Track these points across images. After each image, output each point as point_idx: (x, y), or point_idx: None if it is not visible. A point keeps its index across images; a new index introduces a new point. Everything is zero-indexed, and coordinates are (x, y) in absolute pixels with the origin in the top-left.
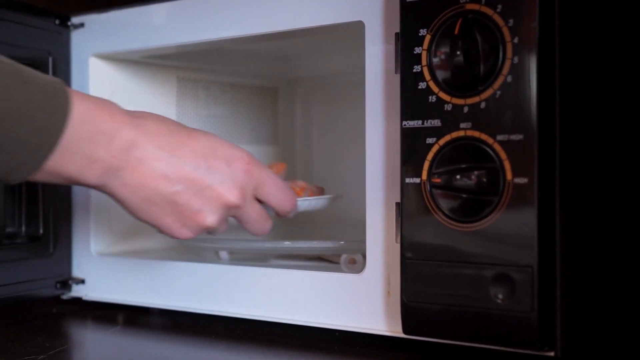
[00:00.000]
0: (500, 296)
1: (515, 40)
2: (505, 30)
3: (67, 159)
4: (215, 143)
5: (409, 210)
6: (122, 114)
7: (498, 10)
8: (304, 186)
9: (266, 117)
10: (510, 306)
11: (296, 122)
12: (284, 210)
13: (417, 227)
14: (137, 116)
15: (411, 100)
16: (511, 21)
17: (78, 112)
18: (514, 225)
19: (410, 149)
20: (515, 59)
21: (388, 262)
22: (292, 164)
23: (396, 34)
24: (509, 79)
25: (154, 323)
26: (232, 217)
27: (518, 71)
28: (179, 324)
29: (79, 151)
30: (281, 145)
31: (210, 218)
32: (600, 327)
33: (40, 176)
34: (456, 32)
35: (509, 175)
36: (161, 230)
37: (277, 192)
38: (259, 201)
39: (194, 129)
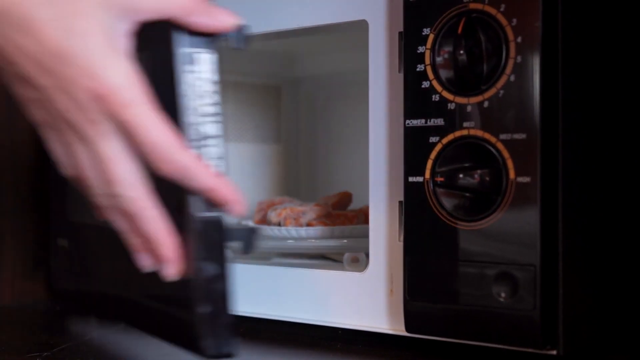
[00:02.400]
0: (502, 295)
1: (519, 39)
2: (509, 30)
3: None
4: None
5: (412, 209)
6: None
7: (501, 9)
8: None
9: (269, 115)
10: (512, 305)
11: (300, 121)
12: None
13: (420, 226)
14: None
15: (414, 99)
16: (514, 20)
17: None
18: (516, 224)
19: (414, 147)
20: (519, 59)
21: (391, 260)
22: (295, 163)
23: (400, 33)
24: (512, 78)
25: None
26: None
27: (521, 70)
28: None
29: None
30: (284, 144)
31: None
32: (602, 326)
33: None
34: (459, 31)
35: (511, 174)
36: None
37: None
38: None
39: None
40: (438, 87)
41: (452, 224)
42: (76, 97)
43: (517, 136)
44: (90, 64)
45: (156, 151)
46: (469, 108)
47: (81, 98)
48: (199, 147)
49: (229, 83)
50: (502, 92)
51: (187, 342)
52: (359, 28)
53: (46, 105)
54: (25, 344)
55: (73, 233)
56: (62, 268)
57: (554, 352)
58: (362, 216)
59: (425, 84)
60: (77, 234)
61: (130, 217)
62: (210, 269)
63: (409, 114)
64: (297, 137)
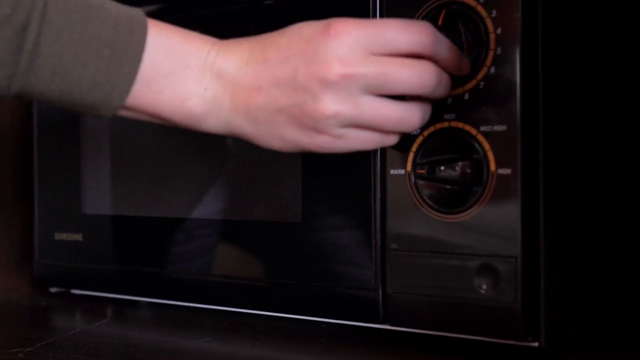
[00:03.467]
0: (484, 287)
1: (499, 31)
2: (489, 21)
3: (151, 99)
4: (302, 25)
5: (393, 202)
6: (204, 42)
7: (481, 1)
8: None
9: None
10: (494, 297)
11: None
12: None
13: (401, 219)
14: (217, 42)
15: None
16: (494, 12)
17: (156, 46)
18: (497, 216)
19: None
20: (499, 50)
21: None
22: None
23: None
24: (493, 70)
25: (142, 316)
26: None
27: (501, 62)
28: (167, 317)
29: (163, 90)
30: None
31: (321, 103)
32: (584, 317)
33: (130, 114)
34: (440, 22)
35: (492, 166)
36: (303, 150)
37: (404, 36)
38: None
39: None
40: None
41: (434, 217)
42: None
43: (497, 128)
44: None
45: None
46: (449, 100)
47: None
48: None
49: None
50: (482, 84)
51: None
52: None
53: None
54: (8, 339)
55: (91, 226)
56: (66, 261)
57: (536, 344)
58: None
59: None
60: (100, 226)
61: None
62: None
63: None
64: None
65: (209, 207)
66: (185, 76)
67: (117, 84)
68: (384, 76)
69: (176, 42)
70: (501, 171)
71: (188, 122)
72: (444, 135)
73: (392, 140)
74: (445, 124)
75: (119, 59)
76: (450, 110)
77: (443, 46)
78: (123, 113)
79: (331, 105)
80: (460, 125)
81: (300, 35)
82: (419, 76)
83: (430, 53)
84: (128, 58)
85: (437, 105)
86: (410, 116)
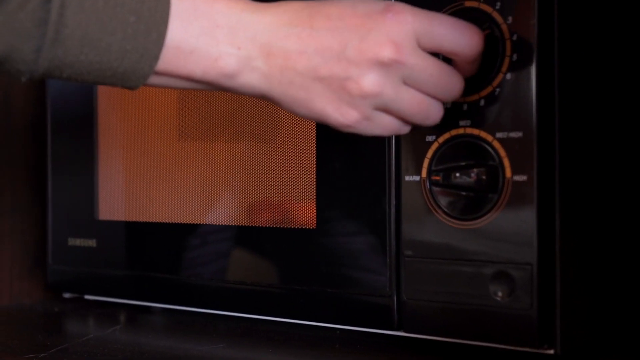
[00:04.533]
0: (499, 294)
1: (514, 37)
2: (504, 28)
3: (182, 61)
4: (355, 0)
5: (408, 208)
6: (234, 1)
7: (497, 7)
8: None
9: None
10: (509, 304)
11: None
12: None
13: (416, 225)
14: (248, 2)
15: None
16: (510, 19)
17: (182, 8)
18: (513, 223)
19: (410, 146)
20: (514, 57)
21: None
22: None
23: None
24: (508, 76)
25: (155, 322)
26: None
27: (517, 69)
28: (180, 323)
29: (195, 50)
30: None
31: (365, 81)
32: (599, 325)
33: (160, 81)
34: None
35: (508, 173)
36: (324, 122)
37: (454, 36)
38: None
39: None
40: None
41: (449, 223)
42: None
43: (513, 134)
44: None
45: None
46: (465, 106)
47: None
48: None
49: None
50: (498, 90)
51: None
52: None
53: None
54: (22, 344)
55: (105, 231)
56: (79, 267)
57: (551, 352)
58: None
59: None
60: (114, 231)
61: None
62: None
63: None
64: None
65: (222, 213)
66: (217, 35)
67: (146, 50)
68: (427, 72)
69: (202, 2)
70: (517, 178)
71: (220, 81)
72: (459, 141)
73: (407, 130)
74: (461, 130)
75: (146, 25)
76: (465, 117)
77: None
78: (154, 81)
79: (375, 84)
80: (475, 131)
81: (353, 9)
82: (451, 82)
83: (470, 59)
84: (154, 23)
85: (453, 112)
86: (436, 113)
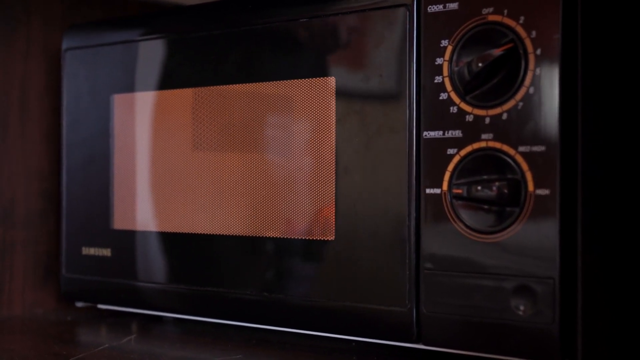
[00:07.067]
0: (521, 308)
1: (538, 51)
2: (528, 42)
3: None
4: None
5: (428, 221)
6: None
7: (521, 21)
8: None
9: None
10: (531, 318)
11: None
12: None
13: (436, 238)
14: None
15: (432, 111)
16: (534, 33)
17: None
18: (535, 237)
19: (431, 159)
20: (538, 71)
21: None
22: None
23: None
24: (531, 90)
25: (169, 332)
26: None
27: (540, 82)
28: (193, 332)
29: None
30: None
31: None
32: (622, 340)
33: None
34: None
35: (530, 187)
36: None
37: None
38: None
39: None
40: (456, 99)
41: (470, 237)
42: None
43: (536, 148)
44: None
45: None
46: (487, 120)
47: None
48: None
49: None
50: (521, 104)
51: None
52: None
53: None
54: (38, 354)
55: (120, 241)
56: (93, 276)
57: None
58: None
59: (443, 96)
60: (129, 241)
61: None
62: None
63: (427, 125)
64: None
65: (239, 224)
66: None
67: None
68: None
69: None
70: (539, 192)
71: None
72: (481, 154)
73: None
74: (483, 144)
75: None
76: (488, 130)
77: None
78: None
79: None
80: (498, 145)
81: None
82: None
83: None
84: None
85: (475, 125)
86: None
